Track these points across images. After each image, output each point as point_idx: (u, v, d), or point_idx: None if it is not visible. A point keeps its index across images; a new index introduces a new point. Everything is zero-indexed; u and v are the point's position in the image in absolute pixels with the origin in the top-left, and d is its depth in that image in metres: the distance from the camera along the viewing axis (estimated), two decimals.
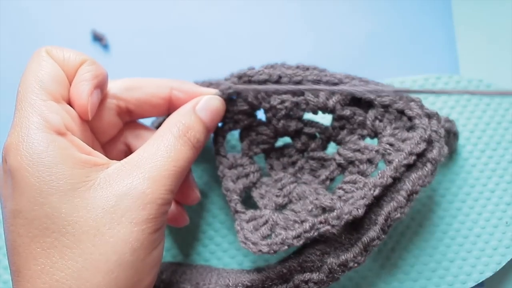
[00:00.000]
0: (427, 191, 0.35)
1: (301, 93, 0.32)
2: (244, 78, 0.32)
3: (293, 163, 0.34)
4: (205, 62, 0.41)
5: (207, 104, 0.30)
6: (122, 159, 0.28)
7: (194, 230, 0.35)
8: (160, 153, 0.26)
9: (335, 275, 0.28)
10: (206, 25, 0.45)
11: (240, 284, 0.29)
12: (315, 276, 0.28)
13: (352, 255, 0.28)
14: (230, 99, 0.33)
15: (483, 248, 0.33)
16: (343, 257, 0.28)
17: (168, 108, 0.32)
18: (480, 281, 0.33)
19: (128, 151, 0.32)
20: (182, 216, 0.33)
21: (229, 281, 0.29)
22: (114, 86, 0.30)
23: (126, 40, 0.44)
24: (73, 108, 0.28)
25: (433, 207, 0.35)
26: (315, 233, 0.28)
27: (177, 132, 0.28)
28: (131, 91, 0.30)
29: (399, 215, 0.28)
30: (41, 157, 0.24)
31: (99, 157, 0.26)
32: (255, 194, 0.33)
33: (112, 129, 0.31)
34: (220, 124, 0.34)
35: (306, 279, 0.28)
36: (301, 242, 0.28)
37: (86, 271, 0.23)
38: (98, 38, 0.44)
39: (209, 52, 0.44)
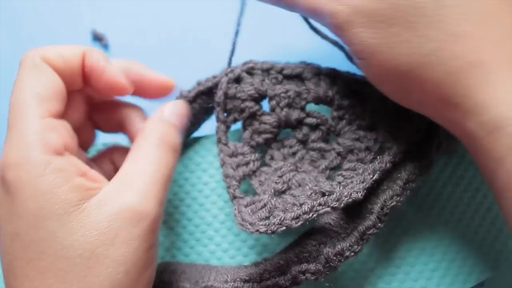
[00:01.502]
0: (426, 189, 0.35)
1: (303, 84, 0.33)
2: (248, 64, 0.33)
3: (294, 154, 0.34)
4: (205, 62, 0.41)
5: (174, 109, 0.31)
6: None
7: (194, 230, 0.36)
8: (145, 167, 0.26)
9: (332, 264, 0.28)
10: (206, 25, 0.45)
11: (238, 279, 0.29)
12: (312, 266, 0.28)
13: (348, 244, 0.28)
14: (236, 87, 0.33)
15: (483, 248, 0.33)
16: (339, 246, 0.28)
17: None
18: (480, 281, 0.33)
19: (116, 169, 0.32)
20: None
21: (228, 277, 0.29)
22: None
23: (126, 40, 0.44)
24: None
25: (432, 206, 0.35)
26: (314, 215, 0.28)
27: (155, 140, 0.28)
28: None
29: (394, 203, 0.29)
30: (38, 181, 0.24)
31: (93, 175, 0.26)
32: (254, 182, 0.33)
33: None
34: (225, 114, 0.34)
35: (303, 270, 0.28)
36: (299, 224, 0.28)
37: None
38: (98, 38, 0.44)
39: (209, 52, 0.44)
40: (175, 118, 0.30)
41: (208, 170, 0.37)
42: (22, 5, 0.46)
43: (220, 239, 0.35)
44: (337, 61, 0.36)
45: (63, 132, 0.26)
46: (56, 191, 0.24)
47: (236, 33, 0.32)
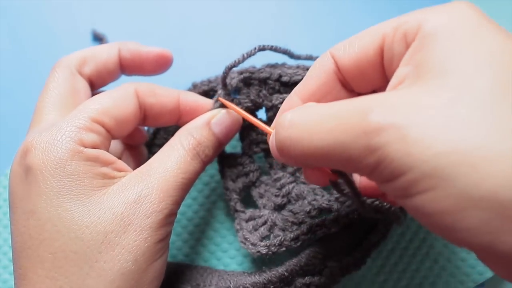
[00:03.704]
0: None
1: None
2: (245, 74, 0.33)
3: None
4: (204, 62, 0.41)
5: (223, 119, 0.30)
6: None
7: (194, 230, 0.36)
8: (170, 164, 0.27)
9: (336, 278, 0.29)
10: (205, 25, 0.45)
11: (241, 287, 0.29)
12: (316, 279, 0.29)
13: (353, 258, 0.29)
14: (232, 99, 0.33)
15: None
16: (344, 261, 0.28)
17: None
18: (480, 282, 0.33)
19: None
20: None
21: (230, 283, 0.29)
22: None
23: (126, 40, 0.44)
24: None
25: None
26: (312, 236, 0.29)
27: (188, 145, 0.28)
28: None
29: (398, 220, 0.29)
30: (66, 164, 0.25)
31: (120, 166, 0.27)
32: (254, 193, 0.34)
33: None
34: None
35: (307, 282, 0.29)
36: (298, 244, 0.29)
37: (90, 279, 0.23)
38: (98, 38, 0.44)
39: (208, 52, 0.44)
40: (221, 129, 0.30)
41: (209, 170, 0.37)
42: (22, 5, 0.46)
43: (220, 239, 0.35)
44: None
45: (100, 136, 0.27)
46: (82, 176, 0.25)
47: (230, 67, 0.31)
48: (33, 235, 0.24)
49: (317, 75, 0.25)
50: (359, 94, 0.25)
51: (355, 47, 0.23)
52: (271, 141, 0.25)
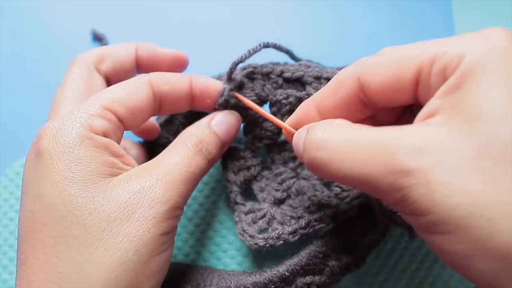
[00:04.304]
0: None
1: (304, 88, 0.32)
2: (248, 69, 0.33)
3: (294, 158, 0.34)
4: (204, 62, 0.41)
5: (223, 119, 0.31)
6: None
7: (194, 230, 0.36)
8: (174, 159, 0.27)
9: (337, 277, 0.29)
10: (205, 26, 0.45)
11: (242, 287, 0.29)
12: (317, 278, 0.29)
13: (353, 257, 0.29)
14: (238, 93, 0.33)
15: None
16: (345, 260, 0.28)
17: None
18: None
19: None
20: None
21: (231, 283, 0.29)
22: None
23: (126, 40, 0.44)
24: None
25: None
26: (310, 230, 0.29)
27: (191, 143, 0.29)
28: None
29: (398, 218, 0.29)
30: (75, 149, 0.25)
31: (128, 160, 0.27)
32: (255, 187, 0.34)
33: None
34: None
35: (308, 282, 0.29)
36: (296, 238, 0.29)
37: (89, 265, 0.23)
38: (98, 38, 0.44)
39: (208, 52, 0.44)
40: (221, 128, 0.31)
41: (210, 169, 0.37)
42: (22, 5, 0.46)
43: (220, 239, 0.35)
44: (338, 62, 0.36)
45: (111, 125, 0.27)
46: (89, 161, 0.25)
47: (237, 63, 0.32)
48: (37, 219, 0.24)
49: (339, 92, 0.25)
50: (381, 108, 0.26)
51: (386, 72, 0.23)
52: (295, 143, 0.26)
